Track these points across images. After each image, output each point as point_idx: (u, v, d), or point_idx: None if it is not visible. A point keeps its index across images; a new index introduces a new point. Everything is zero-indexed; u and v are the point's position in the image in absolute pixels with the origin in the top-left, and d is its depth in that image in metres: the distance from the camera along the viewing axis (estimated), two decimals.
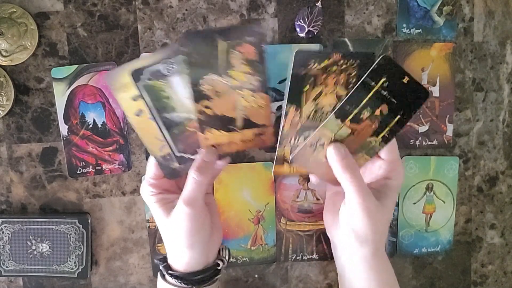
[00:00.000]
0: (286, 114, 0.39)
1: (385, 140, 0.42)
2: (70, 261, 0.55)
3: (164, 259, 0.48)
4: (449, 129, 0.59)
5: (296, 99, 0.38)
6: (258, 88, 0.40)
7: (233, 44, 0.38)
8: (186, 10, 0.54)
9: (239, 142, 0.44)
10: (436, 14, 0.57)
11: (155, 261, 0.49)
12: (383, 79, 0.38)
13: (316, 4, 0.54)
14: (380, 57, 0.37)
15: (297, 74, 0.36)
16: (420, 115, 0.58)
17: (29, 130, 0.54)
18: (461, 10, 0.58)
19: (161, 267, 0.47)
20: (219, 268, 0.47)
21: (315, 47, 0.56)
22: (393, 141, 0.45)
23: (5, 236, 0.54)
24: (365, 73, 0.37)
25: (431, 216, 0.60)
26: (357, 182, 0.41)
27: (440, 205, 0.60)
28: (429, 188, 0.60)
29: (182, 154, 0.44)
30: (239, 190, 0.57)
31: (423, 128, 0.59)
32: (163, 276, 0.47)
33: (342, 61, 0.37)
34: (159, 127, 0.42)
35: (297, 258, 0.59)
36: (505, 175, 0.62)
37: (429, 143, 0.59)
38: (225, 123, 0.42)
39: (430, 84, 0.58)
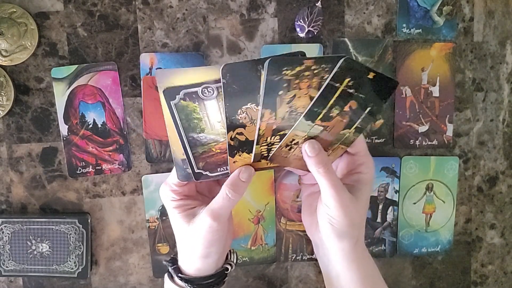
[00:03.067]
0: (262, 117, 0.39)
1: (359, 130, 0.43)
2: (70, 261, 0.55)
3: (173, 261, 0.48)
4: (449, 129, 0.59)
5: (270, 103, 0.38)
6: None
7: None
8: (186, 10, 0.54)
9: (264, 162, 0.45)
10: (436, 14, 0.57)
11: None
12: (347, 79, 0.38)
13: (316, 4, 0.54)
14: (342, 60, 0.37)
15: (271, 80, 0.37)
16: (420, 115, 0.58)
17: (29, 130, 0.54)
18: (461, 10, 0.58)
19: (170, 269, 0.47)
20: (227, 272, 0.47)
21: (315, 47, 0.56)
22: (361, 137, 0.46)
23: (5, 236, 0.54)
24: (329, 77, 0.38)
25: (431, 216, 0.61)
26: (331, 176, 0.43)
27: (440, 205, 0.60)
28: (429, 188, 0.60)
29: (201, 171, 0.44)
30: None
31: (423, 128, 0.59)
32: (171, 277, 0.47)
33: (314, 66, 0.37)
34: (183, 145, 0.42)
35: (297, 258, 0.59)
36: (505, 175, 0.62)
37: (429, 143, 0.59)
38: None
39: (430, 84, 0.58)
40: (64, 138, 0.54)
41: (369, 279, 0.47)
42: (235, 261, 0.49)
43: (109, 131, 0.55)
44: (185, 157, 0.43)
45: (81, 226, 0.55)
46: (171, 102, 0.40)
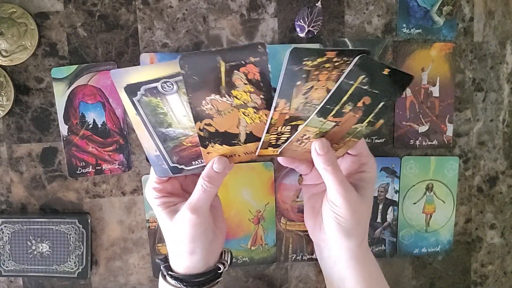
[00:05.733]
0: (276, 106, 0.39)
1: (371, 124, 0.43)
2: (70, 261, 0.55)
3: (166, 259, 0.48)
4: (449, 129, 0.59)
5: (287, 93, 0.38)
6: (261, 106, 0.40)
7: (236, 66, 0.37)
8: (186, 10, 0.54)
9: (242, 154, 0.44)
10: (436, 14, 0.57)
11: (157, 260, 0.49)
12: (361, 76, 0.38)
13: (316, 4, 0.54)
14: (357, 58, 0.37)
15: (291, 70, 0.36)
16: (420, 115, 0.58)
17: (29, 130, 0.54)
18: (461, 10, 0.58)
19: (162, 267, 0.47)
20: (220, 271, 0.47)
21: (315, 47, 0.56)
22: (361, 139, 0.46)
23: (5, 236, 0.54)
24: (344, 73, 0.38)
25: (431, 216, 0.61)
26: (338, 174, 0.43)
27: (440, 205, 0.60)
28: (429, 188, 0.60)
29: (176, 165, 0.44)
30: (239, 190, 0.57)
31: (423, 128, 0.59)
32: (164, 277, 0.47)
33: (336, 58, 0.37)
34: (154, 140, 0.42)
35: (297, 258, 0.59)
36: (505, 175, 0.62)
37: (429, 143, 0.59)
38: (228, 138, 0.42)
39: (430, 84, 0.58)
40: (64, 138, 0.54)
41: (373, 280, 0.47)
42: (229, 261, 0.49)
43: (109, 131, 0.55)
44: (158, 153, 0.43)
45: (81, 226, 0.55)
46: (133, 98, 0.40)
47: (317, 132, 0.42)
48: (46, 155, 0.55)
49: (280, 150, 0.44)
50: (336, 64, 0.37)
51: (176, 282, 0.45)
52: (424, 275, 0.62)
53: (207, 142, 0.42)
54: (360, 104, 0.40)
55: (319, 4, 0.54)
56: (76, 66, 0.53)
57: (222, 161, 0.43)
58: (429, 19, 0.57)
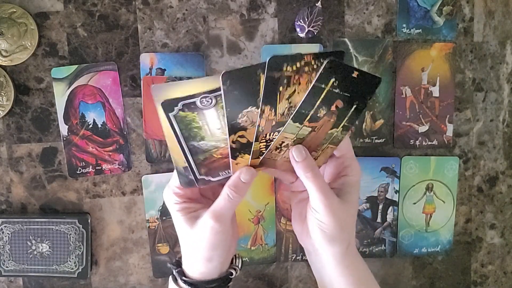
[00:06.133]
0: (262, 113, 0.40)
1: (346, 129, 0.44)
2: (70, 261, 0.55)
3: (178, 264, 0.48)
4: (449, 129, 0.59)
5: (271, 99, 0.39)
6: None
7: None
8: (186, 10, 0.54)
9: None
10: (436, 14, 0.57)
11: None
12: (332, 80, 0.39)
13: (316, 4, 0.54)
14: (326, 62, 0.38)
15: (272, 77, 0.37)
16: (420, 115, 0.58)
17: (29, 130, 0.54)
18: (461, 10, 0.58)
19: (174, 272, 0.47)
20: (231, 276, 0.47)
21: (315, 47, 0.56)
22: (346, 139, 0.46)
23: (5, 236, 0.54)
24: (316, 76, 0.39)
25: (431, 216, 0.60)
26: (318, 181, 0.43)
27: (440, 205, 0.60)
28: (429, 188, 0.60)
29: (204, 177, 0.44)
30: None
31: (423, 128, 0.59)
32: (175, 280, 0.47)
33: (314, 62, 0.38)
34: (184, 153, 0.42)
35: (297, 258, 0.59)
36: (505, 175, 0.62)
37: (429, 143, 0.59)
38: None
39: (430, 84, 0.58)
40: (64, 138, 0.54)
41: (362, 284, 0.47)
42: (240, 266, 0.49)
43: (109, 131, 0.55)
44: (186, 165, 0.43)
45: (81, 226, 0.55)
46: (169, 114, 0.40)
47: (295, 138, 0.43)
48: (46, 155, 0.55)
49: (260, 160, 0.44)
50: (315, 67, 0.38)
51: (189, 287, 0.45)
52: (424, 275, 0.62)
53: (237, 154, 0.42)
54: (333, 108, 0.41)
55: (319, 4, 0.54)
56: (76, 66, 0.53)
57: (250, 172, 0.43)
58: (429, 19, 0.57)
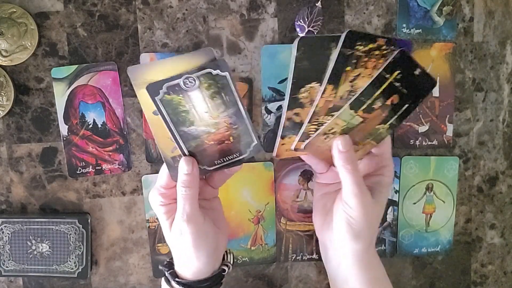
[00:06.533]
0: (323, 92, 0.39)
1: (392, 127, 0.44)
2: (70, 261, 0.55)
3: (169, 265, 0.47)
4: (449, 129, 0.59)
5: (336, 79, 0.39)
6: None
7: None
8: (186, 10, 0.54)
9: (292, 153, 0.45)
10: (436, 14, 0.57)
11: (160, 267, 0.49)
12: (397, 72, 0.39)
13: (316, 4, 0.54)
14: (397, 52, 0.38)
15: (343, 53, 0.37)
16: (420, 115, 0.58)
17: (29, 130, 0.54)
18: (461, 10, 0.58)
19: (167, 274, 0.47)
20: (224, 273, 0.47)
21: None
22: (388, 139, 0.46)
23: (5, 236, 0.54)
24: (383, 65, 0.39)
25: (431, 216, 0.61)
26: (356, 175, 0.43)
27: (440, 205, 0.60)
28: (429, 188, 0.60)
29: (199, 166, 0.44)
30: (239, 190, 0.57)
31: (423, 128, 0.59)
32: (168, 282, 0.47)
33: (384, 46, 0.38)
34: (176, 140, 0.42)
35: (297, 258, 0.59)
36: (505, 175, 0.62)
37: (429, 143, 0.59)
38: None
39: None
40: (64, 138, 0.54)
41: (378, 283, 0.47)
42: (232, 262, 0.49)
43: (109, 131, 0.55)
44: (174, 154, 0.42)
45: (81, 226, 0.55)
46: (155, 98, 0.39)
47: (344, 127, 0.42)
48: (46, 155, 0.55)
49: (305, 144, 0.43)
50: (384, 52, 0.38)
51: None
52: (424, 275, 0.62)
53: (287, 133, 0.42)
54: (389, 102, 0.41)
55: (319, 4, 0.54)
56: (76, 66, 0.53)
57: (188, 161, 0.42)
58: (429, 19, 0.57)
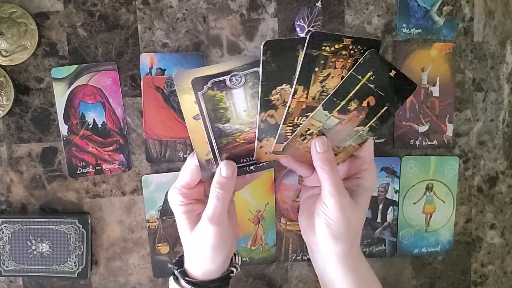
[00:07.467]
0: (294, 93, 0.39)
1: (372, 130, 0.43)
2: (70, 261, 0.55)
3: (179, 264, 0.47)
4: (449, 129, 0.59)
5: (305, 79, 0.39)
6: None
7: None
8: (186, 10, 0.54)
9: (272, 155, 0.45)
10: (436, 14, 0.57)
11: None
12: (369, 73, 0.38)
13: (316, 4, 0.54)
14: (367, 53, 0.38)
15: (310, 54, 0.37)
16: (420, 115, 0.58)
17: (29, 130, 0.54)
18: (461, 10, 0.58)
19: (176, 273, 0.47)
20: (232, 274, 0.47)
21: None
22: (370, 142, 0.46)
23: (5, 236, 0.54)
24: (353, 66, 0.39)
25: (431, 216, 0.61)
26: (334, 176, 0.43)
27: (440, 205, 0.60)
28: (429, 188, 0.60)
29: None
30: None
31: (423, 128, 0.59)
32: (176, 280, 0.47)
33: (351, 46, 0.38)
34: (208, 136, 0.42)
35: (297, 258, 0.59)
36: (505, 175, 0.62)
37: (429, 143, 0.59)
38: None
39: (430, 84, 0.58)
40: (64, 138, 0.54)
41: (363, 285, 0.47)
42: (239, 263, 0.49)
43: (109, 131, 0.55)
44: (209, 157, 0.43)
45: (81, 226, 0.55)
46: (198, 92, 0.39)
47: (321, 128, 0.42)
48: (46, 155, 0.55)
49: (283, 146, 0.44)
50: (351, 52, 0.38)
51: (191, 287, 0.45)
52: (424, 275, 0.62)
53: (263, 135, 0.42)
54: (365, 103, 0.41)
55: (319, 4, 0.54)
56: (76, 66, 0.53)
57: (229, 165, 0.43)
58: (429, 19, 0.57)
